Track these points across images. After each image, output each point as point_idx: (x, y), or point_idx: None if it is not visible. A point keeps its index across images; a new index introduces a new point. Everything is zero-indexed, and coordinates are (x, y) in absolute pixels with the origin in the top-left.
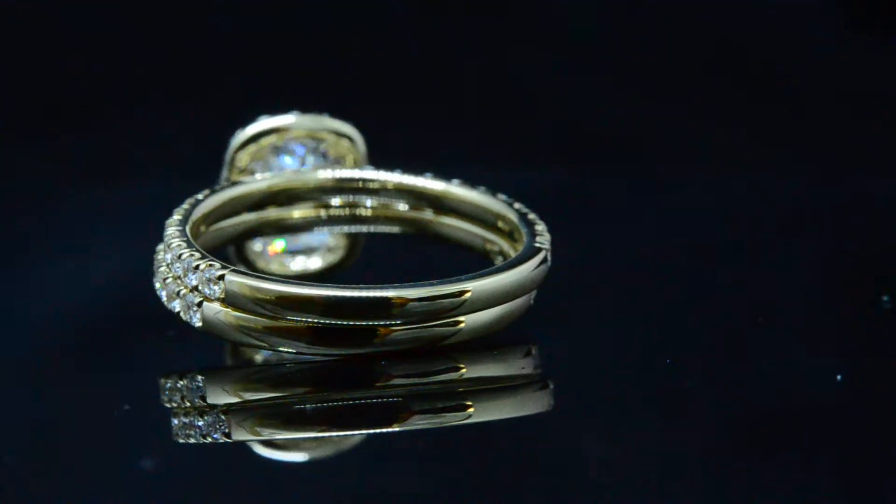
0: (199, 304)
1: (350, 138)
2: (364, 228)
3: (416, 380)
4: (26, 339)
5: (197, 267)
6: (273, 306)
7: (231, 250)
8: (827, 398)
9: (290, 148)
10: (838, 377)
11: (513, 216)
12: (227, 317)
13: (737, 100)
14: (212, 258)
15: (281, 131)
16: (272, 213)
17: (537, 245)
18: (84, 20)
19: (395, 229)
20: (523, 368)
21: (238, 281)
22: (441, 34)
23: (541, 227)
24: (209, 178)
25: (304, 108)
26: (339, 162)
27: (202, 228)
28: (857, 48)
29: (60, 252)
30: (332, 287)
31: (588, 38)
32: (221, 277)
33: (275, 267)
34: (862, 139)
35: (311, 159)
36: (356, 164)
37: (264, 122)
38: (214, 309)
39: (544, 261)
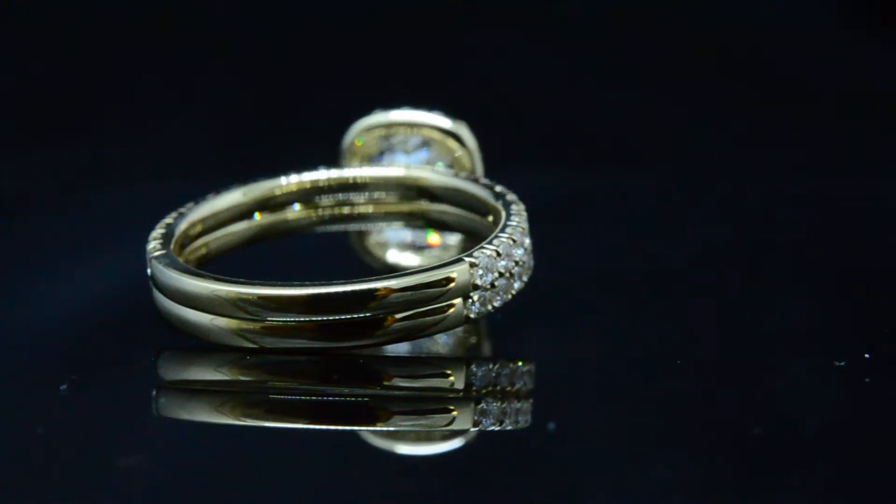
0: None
1: (471, 155)
2: (368, 225)
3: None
4: (26, 341)
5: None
6: (189, 298)
7: (355, 243)
8: (827, 407)
9: (410, 143)
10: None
11: (493, 201)
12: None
13: (736, 101)
14: (161, 243)
15: (414, 127)
16: (268, 217)
17: (507, 229)
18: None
19: (398, 223)
20: None
21: (160, 268)
22: (439, 33)
23: (516, 208)
24: (209, 180)
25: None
26: (450, 167)
27: (198, 228)
28: (857, 48)
29: (61, 254)
30: (243, 283)
31: (588, 38)
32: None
33: (392, 259)
34: (862, 140)
35: (420, 157)
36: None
37: (406, 114)
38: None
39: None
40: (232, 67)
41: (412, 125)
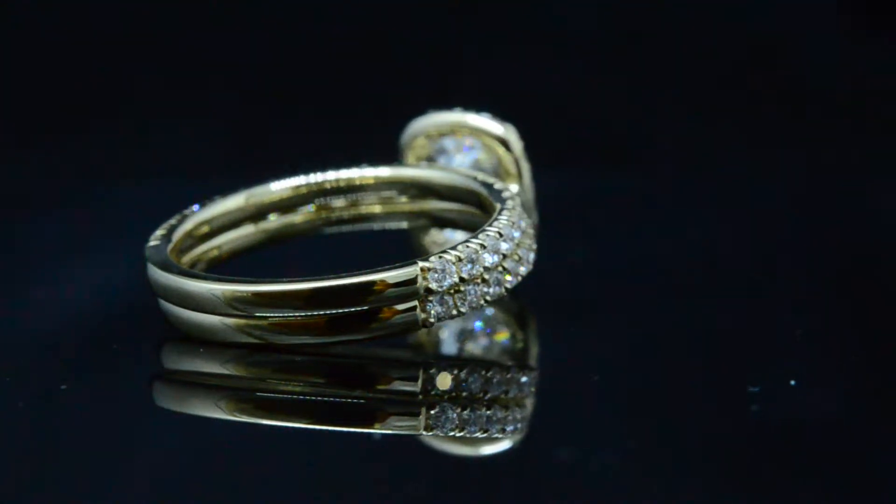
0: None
1: (517, 159)
2: (374, 226)
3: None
4: (27, 341)
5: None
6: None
7: (413, 241)
8: (828, 410)
9: (464, 145)
10: None
11: (492, 199)
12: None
13: (735, 102)
14: (158, 241)
15: (475, 132)
16: (273, 221)
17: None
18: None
19: (402, 223)
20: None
21: (150, 265)
22: (439, 34)
23: (508, 213)
24: (212, 182)
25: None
26: (495, 174)
27: (205, 229)
28: (856, 48)
29: (62, 255)
30: (227, 280)
31: (588, 38)
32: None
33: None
34: (861, 141)
35: (464, 160)
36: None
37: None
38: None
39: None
40: (234, 67)
41: (473, 129)
